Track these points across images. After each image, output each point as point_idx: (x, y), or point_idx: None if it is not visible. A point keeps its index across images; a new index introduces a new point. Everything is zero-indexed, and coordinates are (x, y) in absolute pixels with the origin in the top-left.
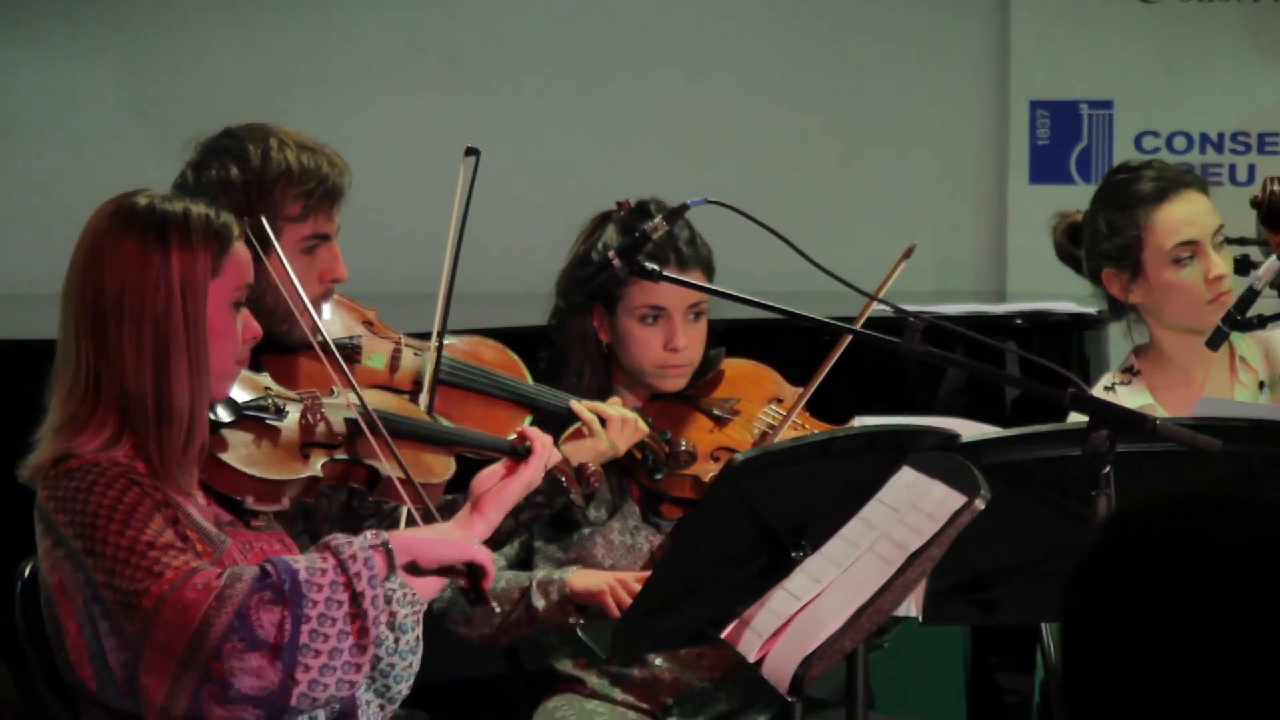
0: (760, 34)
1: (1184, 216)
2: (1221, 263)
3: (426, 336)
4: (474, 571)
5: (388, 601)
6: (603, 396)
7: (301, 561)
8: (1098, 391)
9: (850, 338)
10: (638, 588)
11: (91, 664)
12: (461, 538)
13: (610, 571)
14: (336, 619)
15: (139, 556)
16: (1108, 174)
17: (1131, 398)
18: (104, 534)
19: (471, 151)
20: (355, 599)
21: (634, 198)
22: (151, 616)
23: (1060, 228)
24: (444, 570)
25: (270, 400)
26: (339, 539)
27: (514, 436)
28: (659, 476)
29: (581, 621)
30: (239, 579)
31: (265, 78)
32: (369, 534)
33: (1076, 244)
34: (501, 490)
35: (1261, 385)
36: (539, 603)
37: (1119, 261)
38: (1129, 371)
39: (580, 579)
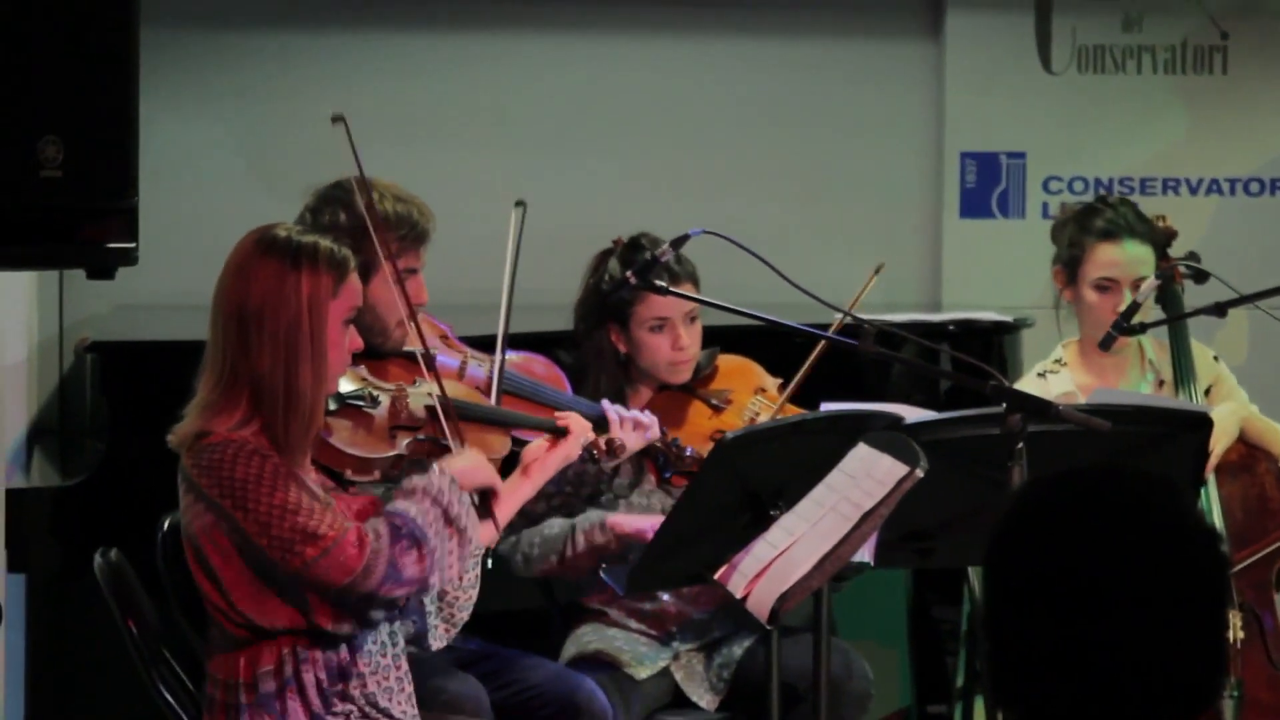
0: (744, 99)
1: (1114, 259)
2: (1141, 291)
3: (487, 347)
4: (484, 495)
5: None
6: (618, 398)
7: (411, 508)
8: (1032, 375)
9: (825, 343)
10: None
11: (248, 586)
12: (482, 465)
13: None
14: (445, 536)
15: (292, 514)
16: (1094, 199)
17: (1059, 384)
18: (255, 495)
19: (520, 204)
20: (451, 520)
21: (626, 234)
22: (312, 563)
23: (1058, 219)
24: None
25: (367, 390)
26: (417, 481)
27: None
28: (668, 475)
29: (605, 566)
30: (379, 535)
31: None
32: (433, 465)
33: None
34: (545, 459)
35: (1161, 383)
36: (580, 540)
37: (1066, 267)
38: (1059, 362)
39: (622, 519)
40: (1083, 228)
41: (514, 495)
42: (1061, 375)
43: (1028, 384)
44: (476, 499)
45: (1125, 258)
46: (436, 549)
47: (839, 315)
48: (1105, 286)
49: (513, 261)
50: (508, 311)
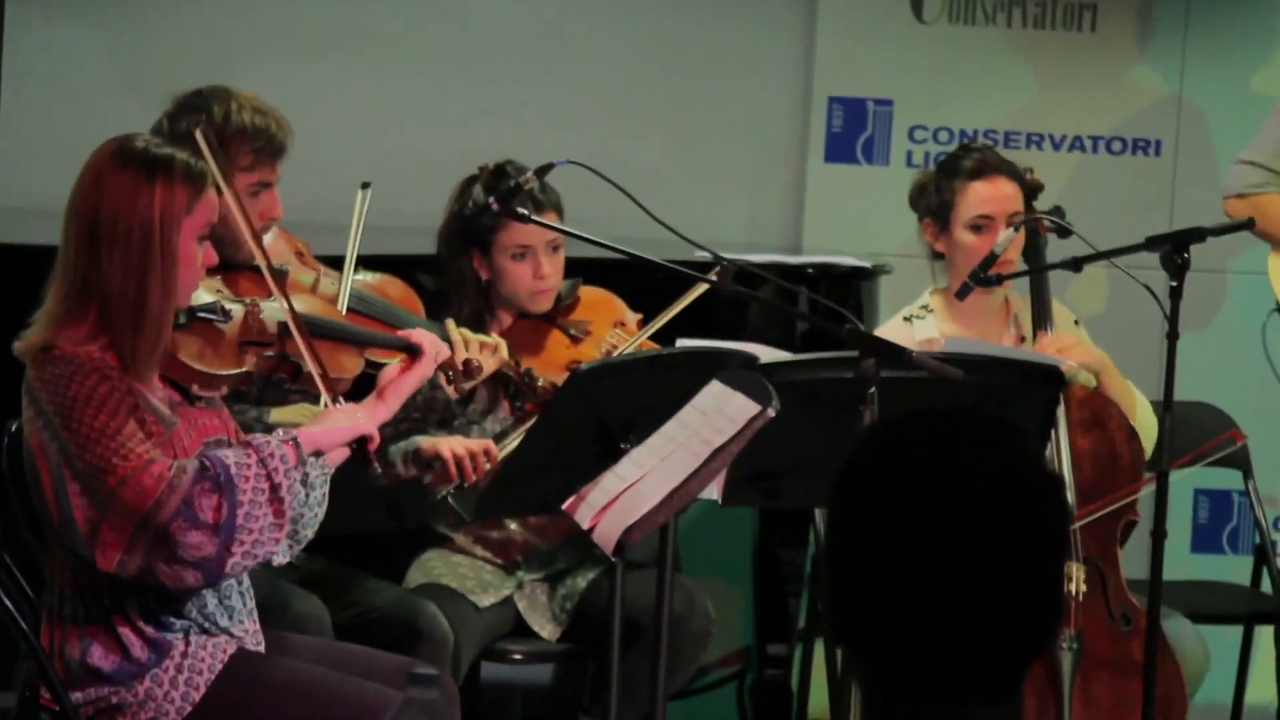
0: (617, 32)
1: (987, 195)
2: (999, 242)
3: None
4: (361, 441)
5: (303, 483)
6: (479, 323)
7: (231, 457)
8: (898, 319)
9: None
10: (474, 447)
11: (59, 513)
12: (353, 420)
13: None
14: (260, 503)
15: (108, 439)
16: (954, 149)
17: (924, 330)
18: (80, 416)
19: (366, 185)
20: (274, 488)
21: (493, 161)
22: (114, 491)
23: (916, 181)
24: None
25: (219, 303)
26: (259, 438)
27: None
28: (519, 404)
29: (452, 492)
30: (184, 471)
31: (225, 44)
32: (280, 431)
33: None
34: (400, 381)
35: (1022, 338)
36: (397, 464)
37: (935, 216)
38: (925, 308)
39: (427, 440)
40: (950, 172)
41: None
42: (927, 321)
43: (892, 327)
44: (354, 446)
45: (998, 193)
46: (247, 509)
47: (701, 254)
48: (980, 225)
49: (355, 242)
50: (348, 284)
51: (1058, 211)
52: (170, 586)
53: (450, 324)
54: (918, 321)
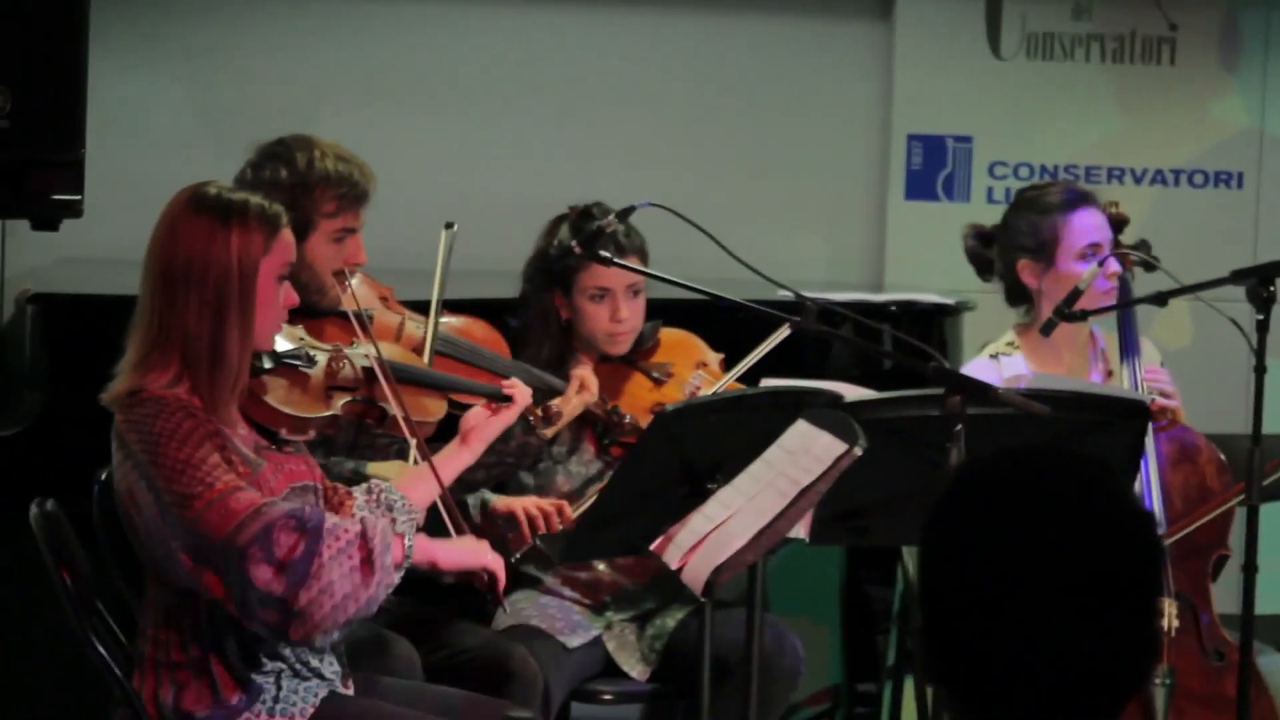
0: (696, 74)
1: (1094, 223)
2: (1084, 278)
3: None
4: (490, 578)
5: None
6: (559, 364)
7: (334, 517)
8: (985, 357)
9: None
10: (548, 506)
11: (157, 549)
12: (478, 548)
13: (527, 496)
14: (343, 564)
15: (194, 468)
16: (1020, 191)
17: (1011, 367)
18: (166, 449)
19: (449, 225)
20: (368, 558)
21: (583, 202)
22: (200, 515)
23: (970, 234)
24: (463, 575)
25: (304, 350)
26: (371, 519)
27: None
28: (606, 442)
29: (541, 535)
30: (275, 505)
31: (304, 92)
32: (399, 519)
33: (986, 245)
34: (485, 426)
35: (1110, 373)
36: (475, 515)
37: (1035, 254)
38: (1011, 345)
39: (500, 499)
40: (1043, 209)
41: (453, 463)
42: (1015, 358)
43: (980, 365)
44: (484, 583)
45: (1100, 221)
46: (326, 563)
47: (783, 294)
48: (1088, 254)
49: (440, 282)
50: (435, 327)
51: (1144, 245)
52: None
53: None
54: (1005, 359)
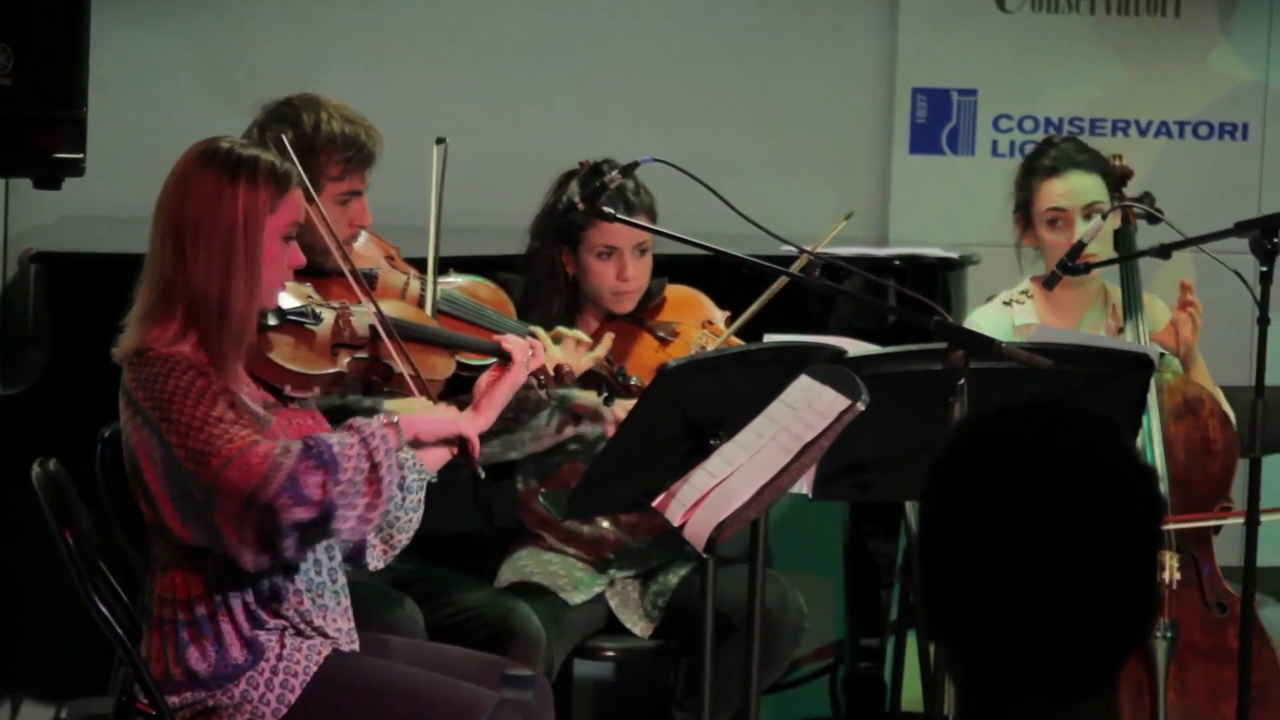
0: (699, 30)
1: (1059, 191)
2: (1086, 231)
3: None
4: (463, 442)
5: (400, 467)
6: (568, 321)
7: (334, 437)
8: (997, 303)
9: (779, 282)
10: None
11: (169, 506)
12: (454, 417)
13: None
14: (358, 483)
15: (210, 426)
16: (1038, 143)
17: (1023, 315)
18: (180, 407)
19: (440, 140)
20: (374, 467)
21: (592, 158)
22: (219, 472)
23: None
24: (441, 442)
25: (310, 307)
26: (359, 420)
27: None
28: (611, 404)
29: (543, 491)
30: (289, 450)
31: (309, 50)
32: (382, 415)
33: None
34: (494, 392)
35: (1121, 330)
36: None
37: (1020, 211)
38: (1025, 294)
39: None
40: (1029, 170)
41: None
42: (1027, 306)
43: (991, 310)
44: (456, 451)
45: (1069, 188)
46: (346, 487)
47: (787, 249)
48: (1055, 219)
49: (438, 196)
50: (436, 248)
51: (1147, 198)
52: (292, 558)
53: (539, 332)
54: (1017, 306)
